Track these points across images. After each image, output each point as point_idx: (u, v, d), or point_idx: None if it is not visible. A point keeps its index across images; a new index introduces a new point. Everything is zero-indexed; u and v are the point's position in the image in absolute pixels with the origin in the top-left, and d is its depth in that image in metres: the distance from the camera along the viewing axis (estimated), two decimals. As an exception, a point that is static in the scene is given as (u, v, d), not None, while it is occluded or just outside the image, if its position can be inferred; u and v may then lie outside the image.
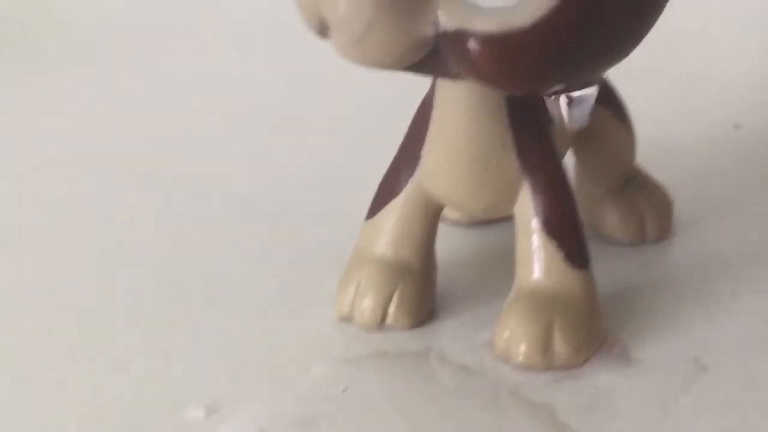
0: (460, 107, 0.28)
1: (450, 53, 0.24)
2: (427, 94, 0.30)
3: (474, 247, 0.35)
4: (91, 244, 0.36)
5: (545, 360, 0.28)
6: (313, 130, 0.46)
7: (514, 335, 0.29)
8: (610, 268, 0.33)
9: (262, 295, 0.33)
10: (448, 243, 0.35)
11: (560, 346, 0.28)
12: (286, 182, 0.41)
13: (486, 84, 0.24)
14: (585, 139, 0.33)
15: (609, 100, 0.33)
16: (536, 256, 0.29)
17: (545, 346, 0.28)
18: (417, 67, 0.25)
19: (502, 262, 0.33)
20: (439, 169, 0.29)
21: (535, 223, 0.29)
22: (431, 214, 0.31)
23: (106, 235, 0.37)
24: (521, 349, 0.28)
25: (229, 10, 0.62)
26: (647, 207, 0.35)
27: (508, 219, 0.31)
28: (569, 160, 0.34)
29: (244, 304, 0.32)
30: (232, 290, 0.33)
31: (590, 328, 0.29)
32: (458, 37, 0.24)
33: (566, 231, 0.29)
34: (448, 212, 0.34)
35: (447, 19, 0.24)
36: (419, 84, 0.29)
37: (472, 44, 0.23)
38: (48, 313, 0.32)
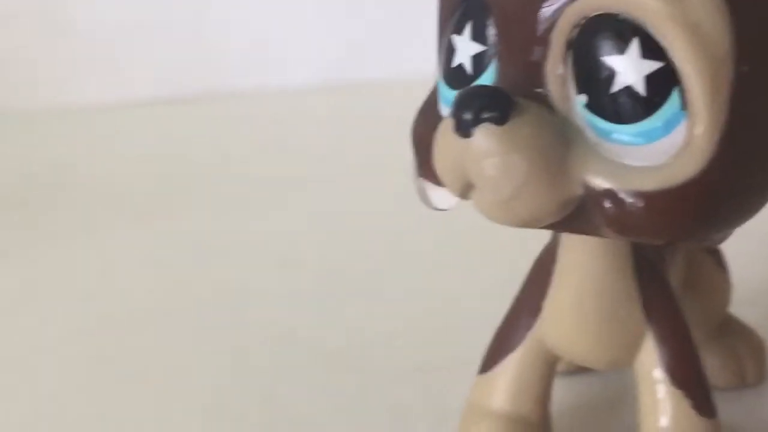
0: (588, 259, 0.28)
1: (598, 210, 0.24)
2: (546, 247, 0.30)
3: (574, 396, 0.35)
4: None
5: None
6: (380, 284, 0.46)
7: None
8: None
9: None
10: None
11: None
12: (370, 332, 0.41)
13: (636, 238, 0.25)
14: (689, 285, 0.33)
15: (710, 248, 0.34)
16: (662, 407, 0.29)
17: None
18: (556, 224, 0.25)
19: (610, 410, 0.33)
20: (564, 322, 0.29)
21: (659, 374, 0.29)
22: (549, 367, 0.31)
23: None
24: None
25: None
26: (745, 351, 0.35)
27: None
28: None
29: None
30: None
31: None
32: (608, 195, 0.24)
33: (693, 381, 0.29)
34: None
35: (597, 179, 0.24)
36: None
37: (628, 201, 0.24)
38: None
